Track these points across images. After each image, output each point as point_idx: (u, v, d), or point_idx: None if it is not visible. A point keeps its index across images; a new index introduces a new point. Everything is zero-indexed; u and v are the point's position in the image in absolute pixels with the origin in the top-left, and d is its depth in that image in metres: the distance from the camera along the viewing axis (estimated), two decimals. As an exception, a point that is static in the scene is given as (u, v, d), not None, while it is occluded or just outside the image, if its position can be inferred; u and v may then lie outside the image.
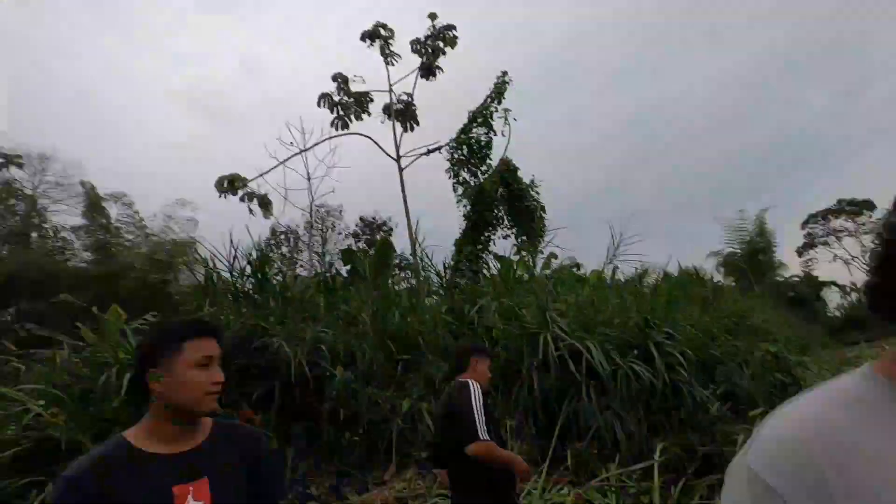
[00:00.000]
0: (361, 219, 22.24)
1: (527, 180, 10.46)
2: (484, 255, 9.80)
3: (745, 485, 0.57)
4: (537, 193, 10.35)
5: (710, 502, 3.70)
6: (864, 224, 37.41)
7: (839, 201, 38.74)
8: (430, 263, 8.62)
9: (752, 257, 27.06)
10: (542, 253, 9.73)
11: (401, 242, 16.95)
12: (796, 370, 6.19)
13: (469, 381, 2.49)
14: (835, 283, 34.49)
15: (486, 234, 10.00)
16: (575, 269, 10.42)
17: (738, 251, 27.73)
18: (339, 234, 21.12)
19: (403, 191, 9.95)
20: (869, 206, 36.49)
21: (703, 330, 5.71)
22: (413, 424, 4.73)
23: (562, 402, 4.66)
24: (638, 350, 4.95)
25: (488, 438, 2.25)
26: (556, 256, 10.21)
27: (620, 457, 4.23)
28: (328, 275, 8.31)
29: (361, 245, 20.24)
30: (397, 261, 11.34)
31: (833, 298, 32.91)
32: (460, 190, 10.46)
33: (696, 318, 6.02)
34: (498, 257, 9.49)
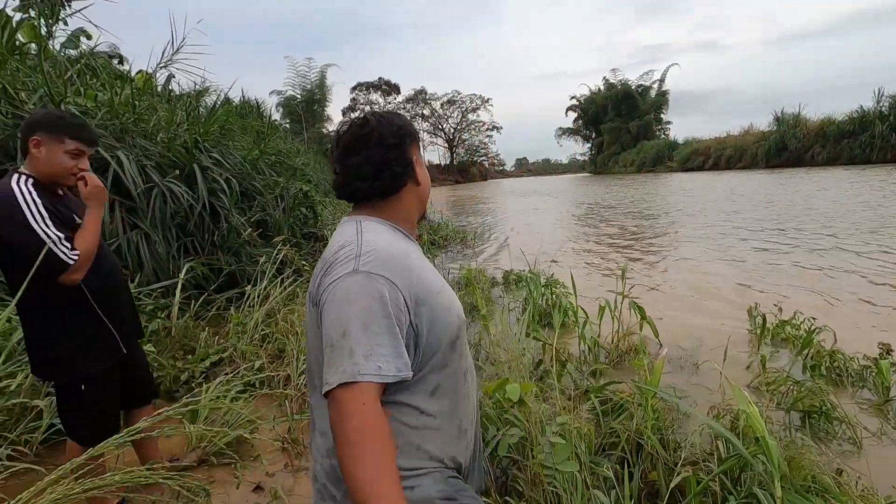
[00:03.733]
0: None
1: None
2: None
3: (366, 279, 0.82)
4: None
5: (226, 312, 4.15)
6: (390, 103, 47.56)
7: (379, 79, 47.21)
8: None
9: (309, 105, 29.73)
10: (63, 24, 7.12)
11: None
12: (318, 208, 7.55)
13: (18, 178, 1.58)
14: (360, 144, 43.46)
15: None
16: (116, 63, 8.35)
17: (299, 96, 29.73)
18: None
19: None
20: (397, 89, 46.42)
21: (252, 162, 5.94)
22: None
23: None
24: (181, 171, 4.64)
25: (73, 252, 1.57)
26: (88, 36, 7.74)
27: (143, 275, 4.06)
28: None
29: None
30: None
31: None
32: None
33: (246, 150, 6.15)
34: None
